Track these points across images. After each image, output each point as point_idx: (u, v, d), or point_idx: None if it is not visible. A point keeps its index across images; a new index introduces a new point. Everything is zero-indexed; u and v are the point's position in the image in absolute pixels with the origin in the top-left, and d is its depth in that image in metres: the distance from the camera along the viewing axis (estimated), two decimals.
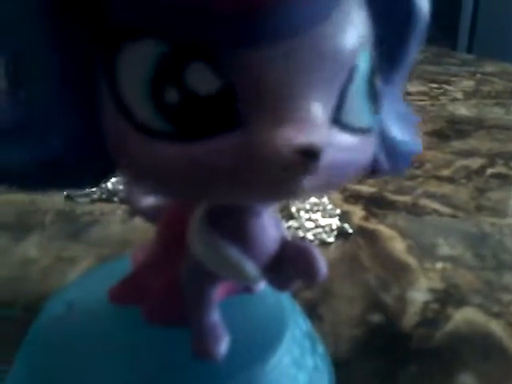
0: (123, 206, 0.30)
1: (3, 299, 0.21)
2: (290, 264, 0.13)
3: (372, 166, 0.12)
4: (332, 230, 0.28)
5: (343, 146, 0.10)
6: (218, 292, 0.14)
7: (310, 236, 0.27)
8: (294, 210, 0.29)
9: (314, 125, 0.09)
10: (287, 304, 0.16)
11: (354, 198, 0.32)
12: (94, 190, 0.30)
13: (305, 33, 0.09)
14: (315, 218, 0.29)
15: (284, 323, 0.15)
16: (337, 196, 0.32)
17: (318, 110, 0.09)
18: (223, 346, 0.14)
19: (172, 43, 0.08)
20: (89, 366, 0.13)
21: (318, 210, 0.30)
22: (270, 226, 0.13)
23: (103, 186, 0.31)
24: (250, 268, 0.12)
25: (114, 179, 0.31)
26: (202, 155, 0.09)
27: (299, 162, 0.08)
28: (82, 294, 0.16)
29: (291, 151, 0.08)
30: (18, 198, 0.30)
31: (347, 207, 0.31)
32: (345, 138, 0.10)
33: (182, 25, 0.08)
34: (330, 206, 0.30)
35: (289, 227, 0.27)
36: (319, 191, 0.11)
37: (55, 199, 0.30)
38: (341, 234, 0.27)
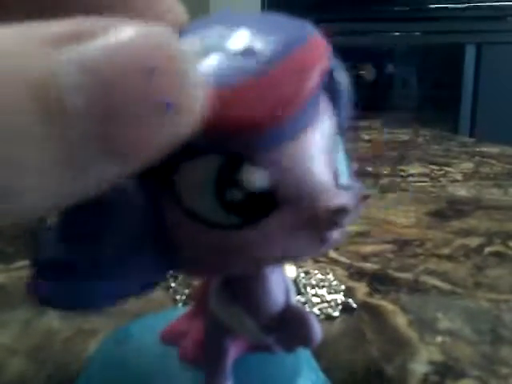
0: None
1: (28, 368, 0.23)
2: (289, 326, 0.15)
3: None
4: (337, 305, 0.29)
5: (351, 202, 0.12)
6: (239, 346, 0.16)
7: (316, 311, 0.28)
8: (301, 286, 0.31)
9: (337, 193, 0.12)
10: (304, 361, 0.19)
11: (358, 274, 0.34)
12: None
13: (307, 131, 0.12)
14: (321, 294, 0.30)
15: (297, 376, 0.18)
16: (342, 273, 0.34)
17: (332, 181, 0.12)
18: None
19: (225, 156, 0.11)
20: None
21: (323, 286, 0.31)
22: (275, 292, 0.15)
23: None
24: (250, 325, 0.15)
25: None
26: (253, 236, 0.11)
27: (335, 219, 0.11)
28: (137, 332, 0.20)
29: (330, 212, 0.11)
30: None
31: (352, 283, 0.32)
32: (348, 196, 0.12)
33: (231, 143, 0.11)
34: (335, 282, 0.31)
35: (296, 302, 0.29)
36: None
37: None
38: (346, 308, 0.29)
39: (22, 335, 0.25)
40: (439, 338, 0.26)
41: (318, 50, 0.11)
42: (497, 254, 0.37)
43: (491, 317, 0.28)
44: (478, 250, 0.38)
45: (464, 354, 0.25)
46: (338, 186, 0.12)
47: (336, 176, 0.12)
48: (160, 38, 0.08)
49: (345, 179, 0.13)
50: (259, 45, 0.11)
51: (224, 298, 0.15)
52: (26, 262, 0.34)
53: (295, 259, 0.15)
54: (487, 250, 0.38)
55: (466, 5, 1.44)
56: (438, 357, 0.24)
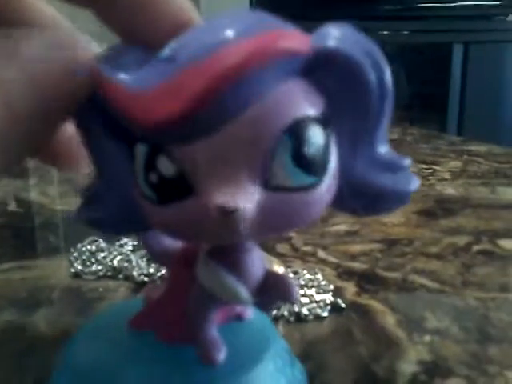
0: (127, 283, 0.31)
1: (14, 371, 0.23)
2: (271, 289, 0.17)
3: (349, 210, 0.16)
4: (326, 305, 0.29)
5: (275, 202, 0.13)
6: (217, 317, 0.18)
7: (305, 311, 0.28)
8: None
9: (236, 192, 0.12)
10: (270, 328, 0.21)
11: (346, 274, 0.34)
12: (100, 267, 0.32)
13: (223, 127, 0.12)
14: (310, 294, 0.30)
15: (268, 340, 0.19)
16: (330, 272, 0.34)
17: (241, 181, 0.12)
18: (222, 354, 0.17)
19: (149, 145, 0.13)
20: (115, 373, 0.18)
21: (312, 286, 0.31)
22: (258, 260, 0.17)
23: (109, 263, 0.33)
24: (243, 291, 0.16)
25: (119, 257, 0.33)
26: (172, 214, 0.13)
27: (223, 219, 0.12)
28: (104, 323, 0.21)
29: (218, 212, 0.12)
30: (30, 275, 0.32)
31: (340, 283, 0.32)
32: (277, 196, 0.13)
33: (149, 135, 0.13)
34: (324, 282, 0.31)
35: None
36: (270, 235, 0.15)
37: (62, 276, 0.32)
38: (334, 308, 0.29)
39: (8, 338, 0.25)
40: (427, 337, 0.26)
41: (258, 46, 0.11)
42: (484, 253, 0.37)
43: (479, 315, 0.28)
44: (466, 248, 0.38)
45: (452, 352, 0.25)
46: (264, 184, 0.13)
47: (265, 174, 0.13)
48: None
49: (286, 181, 0.13)
50: (184, 52, 0.12)
51: (215, 270, 0.16)
52: (12, 264, 0.34)
53: (212, 242, 0.16)
54: (475, 248, 0.38)
55: (454, 4, 1.45)
56: (426, 356, 0.24)
